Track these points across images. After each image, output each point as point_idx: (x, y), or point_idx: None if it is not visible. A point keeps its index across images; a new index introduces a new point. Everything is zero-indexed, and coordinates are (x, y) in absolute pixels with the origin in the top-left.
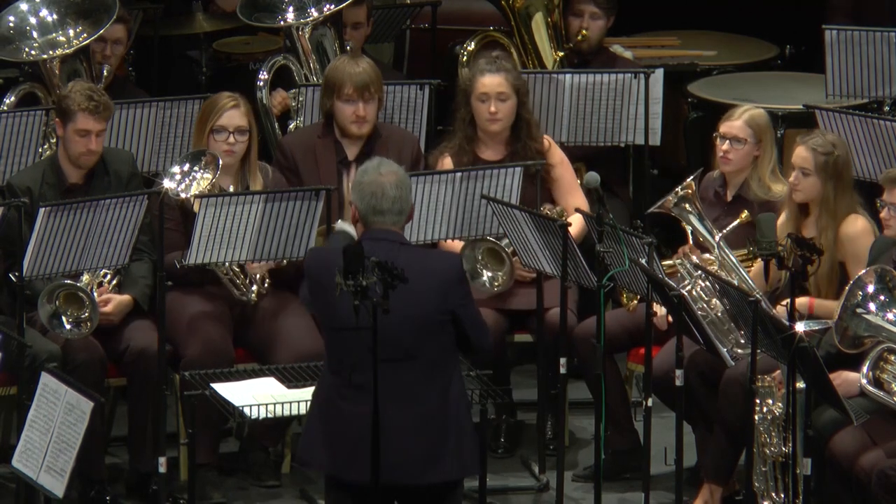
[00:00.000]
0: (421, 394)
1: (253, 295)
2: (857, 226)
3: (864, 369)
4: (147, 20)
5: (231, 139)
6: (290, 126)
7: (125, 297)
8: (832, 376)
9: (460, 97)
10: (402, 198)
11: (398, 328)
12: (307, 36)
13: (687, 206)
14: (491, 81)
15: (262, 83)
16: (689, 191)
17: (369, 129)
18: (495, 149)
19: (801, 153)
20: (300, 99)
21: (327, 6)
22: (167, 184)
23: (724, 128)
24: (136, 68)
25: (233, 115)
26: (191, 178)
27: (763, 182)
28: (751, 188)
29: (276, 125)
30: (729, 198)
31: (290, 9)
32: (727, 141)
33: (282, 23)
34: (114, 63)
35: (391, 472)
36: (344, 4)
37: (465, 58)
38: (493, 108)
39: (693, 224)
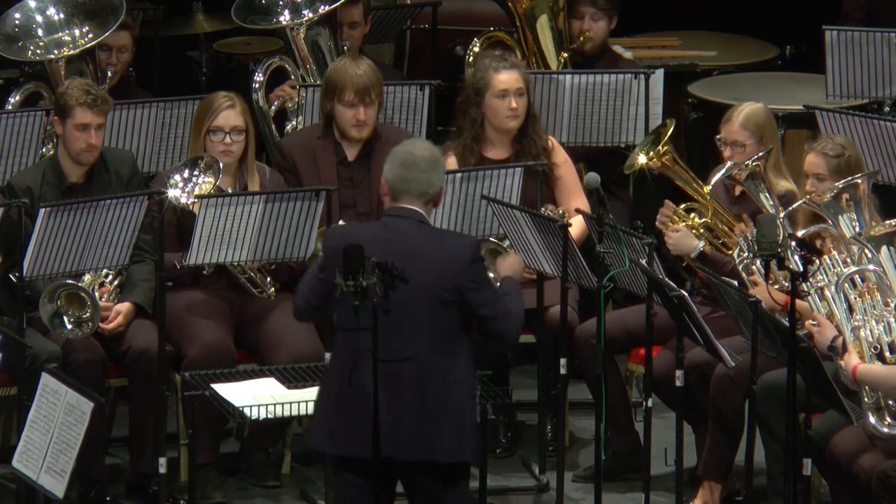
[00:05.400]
0: (421, 373)
1: (272, 290)
2: None
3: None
4: (147, 20)
5: (228, 139)
6: (287, 127)
7: (130, 306)
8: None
9: (471, 97)
10: (431, 174)
11: (406, 303)
12: (302, 36)
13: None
14: (509, 78)
15: (257, 85)
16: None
17: (369, 133)
18: (503, 147)
19: (812, 160)
20: (296, 100)
21: (321, 6)
22: (171, 192)
23: (724, 132)
24: (137, 68)
25: (229, 114)
26: (192, 183)
27: (767, 177)
28: None
29: (273, 127)
30: (737, 192)
31: (285, 11)
32: (728, 146)
33: (276, 25)
34: (120, 69)
35: (385, 447)
36: (337, 4)
37: (471, 58)
38: (514, 104)
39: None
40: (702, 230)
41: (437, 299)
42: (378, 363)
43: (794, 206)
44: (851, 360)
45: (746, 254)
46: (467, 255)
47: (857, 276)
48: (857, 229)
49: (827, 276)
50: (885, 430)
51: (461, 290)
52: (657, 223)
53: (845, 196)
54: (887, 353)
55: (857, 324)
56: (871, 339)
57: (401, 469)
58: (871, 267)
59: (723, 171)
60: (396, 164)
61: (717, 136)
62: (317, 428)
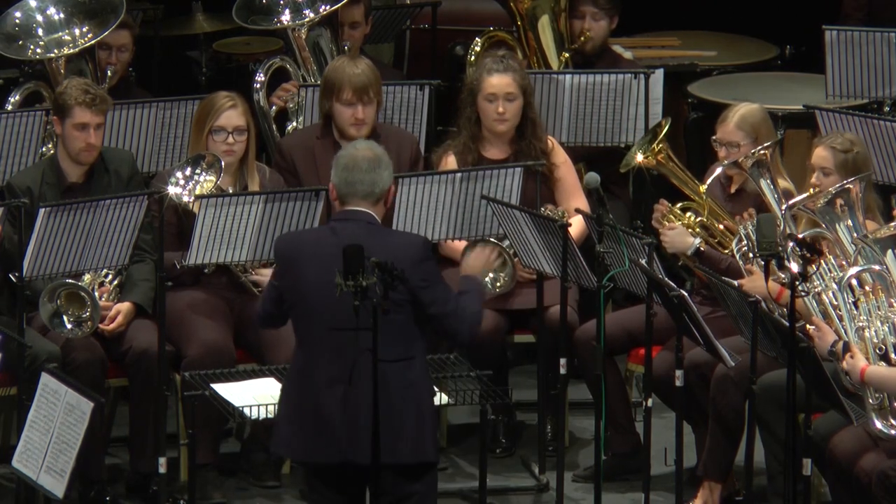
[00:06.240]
0: (379, 375)
1: None
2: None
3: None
4: (147, 20)
5: (230, 139)
6: (288, 127)
7: (130, 306)
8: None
9: (466, 96)
10: (374, 174)
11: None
12: (303, 37)
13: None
14: (499, 82)
15: (258, 85)
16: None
17: (368, 132)
18: (500, 148)
19: (820, 153)
20: (297, 100)
21: (322, 7)
22: (172, 190)
23: (719, 133)
24: (136, 68)
25: (231, 115)
26: (194, 181)
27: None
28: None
29: (274, 127)
30: (732, 190)
31: (286, 11)
32: (723, 147)
33: (277, 25)
34: (119, 69)
35: (345, 452)
36: (339, 5)
37: (472, 58)
38: (501, 109)
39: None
40: (697, 228)
41: (389, 300)
42: (332, 366)
43: (797, 199)
44: (858, 363)
45: (745, 242)
46: (416, 254)
47: (861, 275)
48: (853, 234)
49: (824, 280)
50: (893, 432)
51: (412, 290)
52: (652, 222)
53: (839, 201)
54: (892, 355)
55: (861, 324)
56: (875, 340)
57: (362, 473)
58: (877, 267)
59: (718, 169)
60: (340, 167)
61: (713, 137)
62: (279, 434)
